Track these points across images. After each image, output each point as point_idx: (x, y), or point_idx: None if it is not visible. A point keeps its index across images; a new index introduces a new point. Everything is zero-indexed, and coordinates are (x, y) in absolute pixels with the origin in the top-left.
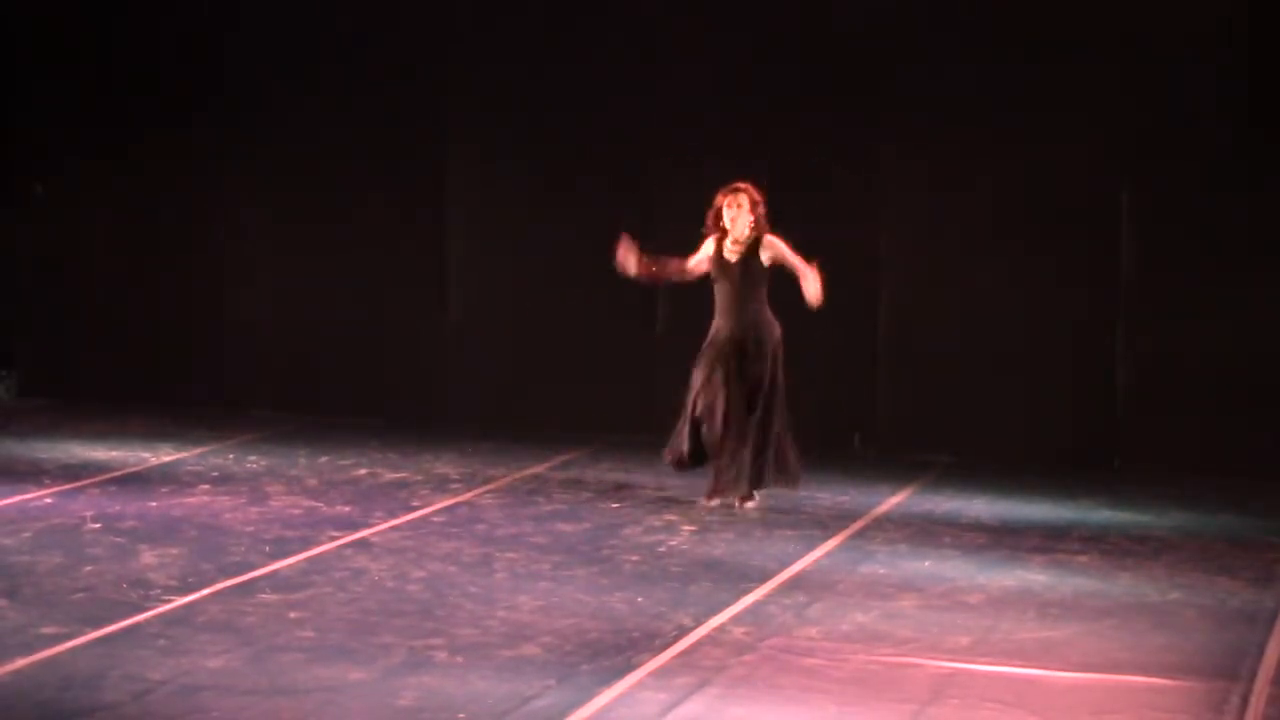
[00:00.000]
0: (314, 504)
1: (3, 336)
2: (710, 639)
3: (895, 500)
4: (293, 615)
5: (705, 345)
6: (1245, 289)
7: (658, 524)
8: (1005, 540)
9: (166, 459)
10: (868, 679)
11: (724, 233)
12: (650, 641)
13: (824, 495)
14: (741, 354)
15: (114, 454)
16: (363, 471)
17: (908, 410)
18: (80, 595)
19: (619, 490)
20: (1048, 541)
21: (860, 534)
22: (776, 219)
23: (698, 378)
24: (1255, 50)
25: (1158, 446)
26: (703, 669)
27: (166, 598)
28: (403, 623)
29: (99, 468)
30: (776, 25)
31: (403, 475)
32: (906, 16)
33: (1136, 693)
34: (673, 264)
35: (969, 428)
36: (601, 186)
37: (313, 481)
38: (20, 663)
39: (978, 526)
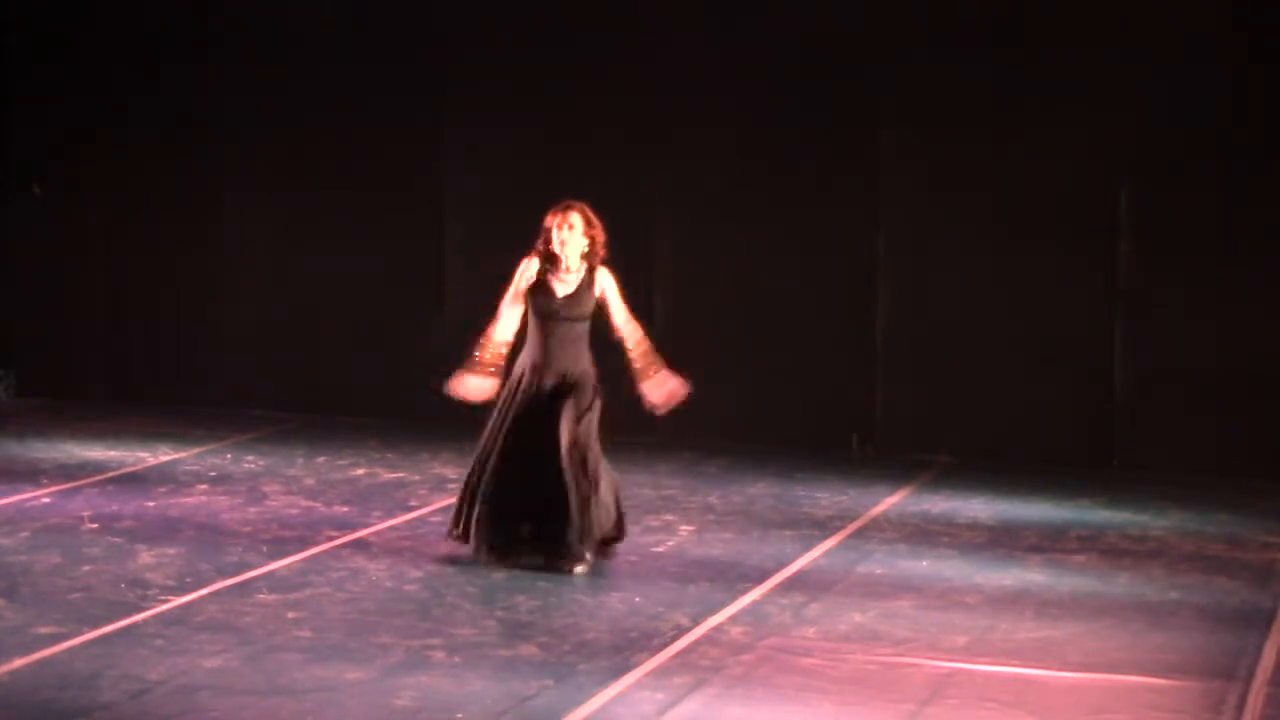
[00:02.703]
0: (312, 504)
1: (2, 336)
2: (708, 639)
3: (893, 500)
4: (290, 615)
5: (507, 393)
6: (1245, 289)
7: (655, 524)
8: (1003, 540)
9: (164, 459)
10: (865, 679)
11: (552, 258)
12: (648, 641)
13: (822, 495)
14: (548, 393)
15: (112, 454)
16: (361, 471)
17: (906, 410)
18: (78, 595)
19: None
20: (1046, 541)
21: (858, 534)
22: (778, 218)
23: (491, 435)
24: (1255, 49)
25: (1156, 446)
26: (700, 669)
27: (164, 597)
28: (401, 622)
29: (97, 467)
30: (777, 23)
31: (400, 475)
32: (906, 15)
33: (1134, 693)
34: (492, 329)
35: (967, 428)
36: (601, 186)
37: (310, 481)
38: (18, 663)
39: (976, 526)
